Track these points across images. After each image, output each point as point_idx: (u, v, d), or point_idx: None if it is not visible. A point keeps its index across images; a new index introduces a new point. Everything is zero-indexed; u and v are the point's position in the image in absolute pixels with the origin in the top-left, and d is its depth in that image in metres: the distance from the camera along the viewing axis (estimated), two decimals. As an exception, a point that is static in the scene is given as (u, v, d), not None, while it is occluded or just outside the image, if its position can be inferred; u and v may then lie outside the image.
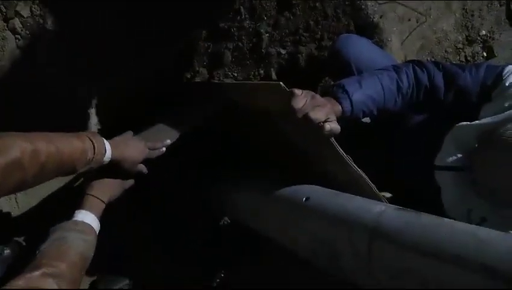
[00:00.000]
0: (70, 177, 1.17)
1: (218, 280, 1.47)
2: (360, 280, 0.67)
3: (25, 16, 1.00)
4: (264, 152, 1.17)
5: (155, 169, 1.07)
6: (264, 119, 1.01)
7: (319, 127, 0.79)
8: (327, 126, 0.78)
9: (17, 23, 0.98)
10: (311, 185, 0.89)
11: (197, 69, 1.63)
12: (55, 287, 0.70)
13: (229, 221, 1.57)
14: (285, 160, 1.06)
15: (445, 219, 0.61)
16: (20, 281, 0.68)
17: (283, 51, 1.63)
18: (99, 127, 1.30)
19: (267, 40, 1.61)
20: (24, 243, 1.05)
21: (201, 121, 1.19)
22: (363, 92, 0.91)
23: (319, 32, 1.66)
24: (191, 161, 1.38)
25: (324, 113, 0.80)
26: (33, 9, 1.01)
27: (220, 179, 1.28)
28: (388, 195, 1.09)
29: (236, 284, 1.43)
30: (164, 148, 1.07)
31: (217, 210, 1.32)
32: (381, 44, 1.77)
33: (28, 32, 1.04)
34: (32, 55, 1.09)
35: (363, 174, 0.84)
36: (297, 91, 0.80)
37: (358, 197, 0.78)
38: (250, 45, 1.61)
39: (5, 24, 0.99)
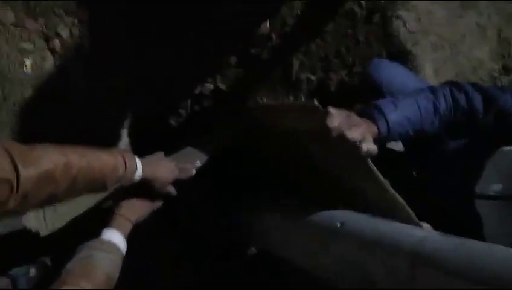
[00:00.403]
0: (100, 196, 1.17)
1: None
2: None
3: (65, 37, 1.04)
4: (289, 176, 1.14)
5: (183, 190, 1.06)
6: (291, 142, 0.99)
7: (355, 147, 0.75)
8: (364, 147, 0.75)
9: (56, 43, 1.03)
10: (344, 210, 0.85)
11: (226, 95, 1.64)
12: (78, 307, 0.68)
13: (255, 251, 1.52)
14: (312, 184, 1.03)
15: (497, 245, 0.56)
16: None
17: (313, 77, 1.62)
18: (130, 147, 1.31)
19: (298, 66, 1.60)
20: (50, 263, 1.04)
21: (228, 143, 1.18)
22: (400, 113, 0.88)
23: (350, 59, 1.65)
24: (217, 183, 1.36)
25: (360, 132, 0.77)
26: (72, 31, 1.05)
27: (245, 203, 1.25)
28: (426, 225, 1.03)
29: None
30: (194, 171, 1.06)
31: (243, 234, 1.28)
32: (415, 72, 1.74)
33: (65, 51, 1.08)
34: (67, 73, 1.12)
35: (401, 200, 0.80)
36: (333, 110, 0.78)
37: (395, 222, 0.73)
38: (280, 70, 1.61)
39: (45, 43, 1.03)
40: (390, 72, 1.28)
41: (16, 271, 0.98)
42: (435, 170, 1.12)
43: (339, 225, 0.78)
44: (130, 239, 0.89)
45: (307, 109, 0.82)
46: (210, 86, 1.61)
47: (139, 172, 0.87)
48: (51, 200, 0.71)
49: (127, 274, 1.19)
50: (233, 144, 1.18)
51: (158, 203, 1.00)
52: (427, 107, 0.92)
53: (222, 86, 1.61)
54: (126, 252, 0.87)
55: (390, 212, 0.77)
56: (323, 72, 1.63)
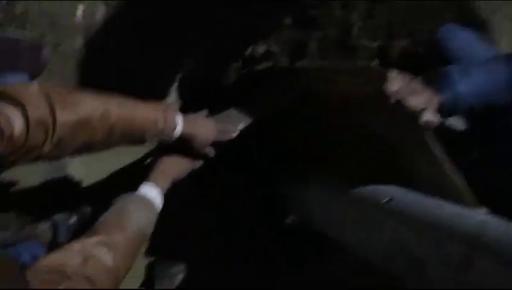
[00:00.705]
0: (142, 151, 1.16)
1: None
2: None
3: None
4: (337, 147, 1.06)
5: (223, 152, 1.03)
6: (343, 109, 0.91)
7: (414, 116, 0.67)
8: (424, 116, 0.66)
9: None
10: (393, 186, 0.76)
11: (279, 58, 1.57)
12: (109, 258, 0.67)
13: (294, 220, 1.47)
14: (362, 157, 0.94)
15: None
16: (75, 245, 0.65)
17: (373, 44, 1.49)
18: (177, 105, 1.29)
19: (357, 31, 1.49)
20: (91, 213, 1.06)
21: (276, 108, 1.11)
22: (470, 83, 0.77)
23: (416, 26, 1.50)
24: (257, 152, 1.31)
25: (422, 101, 0.68)
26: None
27: (287, 174, 1.19)
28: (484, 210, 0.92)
29: (299, 286, 1.33)
30: (236, 133, 1.01)
31: (282, 206, 1.23)
32: (481, 30, 1.55)
33: (116, 3, 1.06)
34: (117, 25, 1.10)
35: (460, 180, 0.70)
36: (394, 74, 0.69)
37: (452, 204, 0.64)
38: (338, 35, 1.50)
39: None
40: (462, 41, 1.14)
41: (57, 217, 1.01)
42: (502, 148, 0.99)
43: (385, 201, 0.70)
44: (167, 199, 0.88)
45: (365, 72, 0.74)
46: (262, 48, 1.54)
47: (179, 128, 0.84)
48: (86, 148, 0.69)
49: (163, 236, 1.21)
50: (281, 108, 1.11)
51: (198, 163, 0.97)
52: (502, 79, 0.79)
53: (275, 49, 1.54)
54: (162, 211, 0.86)
55: (445, 193, 0.68)
56: (385, 38, 1.50)
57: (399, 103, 0.67)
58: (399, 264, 0.65)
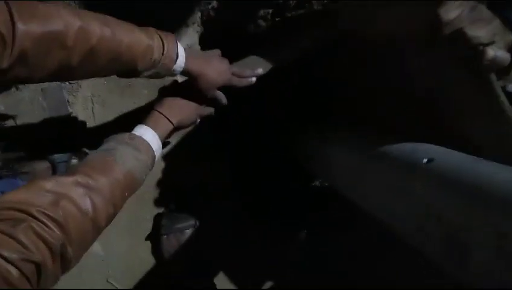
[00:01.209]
0: (153, 96, 1.06)
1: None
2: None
3: None
4: (373, 98, 0.90)
5: (238, 101, 0.90)
6: (381, 54, 0.75)
7: (477, 52, 0.51)
8: (490, 52, 0.50)
9: None
10: (436, 146, 0.61)
11: (315, 7, 1.40)
12: (86, 201, 0.57)
13: (319, 185, 1.34)
14: (403, 109, 0.79)
15: None
16: (48, 183, 0.56)
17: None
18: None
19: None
20: (93, 155, 0.97)
21: (299, 54, 0.97)
22: None
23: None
24: (278, 103, 1.18)
25: (489, 31, 0.52)
26: None
27: (311, 128, 1.05)
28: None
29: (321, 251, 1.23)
30: (254, 79, 0.88)
31: (308, 167, 1.10)
32: None
33: None
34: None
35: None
36: (451, -4, 0.53)
37: (507, 166, 0.49)
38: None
39: None
40: None
41: (57, 157, 0.93)
42: None
43: (424, 161, 0.56)
44: (177, 148, 0.77)
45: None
46: (296, -6, 1.37)
47: (181, 61, 0.72)
48: (65, 71, 0.59)
49: (174, 188, 1.12)
50: (308, 55, 0.97)
51: (207, 110, 0.85)
52: None
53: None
54: (169, 162, 0.75)
55: (508, 160, 0.53)
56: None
57: (457, 33, 0.51)
58: (434, 242, 0.51)
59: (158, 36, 0.68)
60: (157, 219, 1.11)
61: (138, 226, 1.11)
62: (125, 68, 0.66)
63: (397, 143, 0.66)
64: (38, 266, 0.50)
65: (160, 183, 1.11)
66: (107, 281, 1.10)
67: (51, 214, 0.53)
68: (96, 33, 0.58)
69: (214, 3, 1.15)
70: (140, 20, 0.70)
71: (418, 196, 0.54)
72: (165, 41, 0.68)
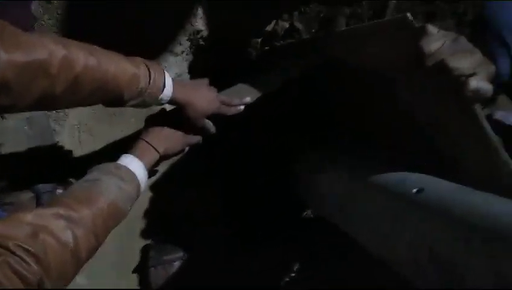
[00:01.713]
0: (141, 125, 1.05)
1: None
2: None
3: None
4: (362, 124, 0.90)
5: (226, 129, 0.90)
6: (370, 82, 0.76)
7: (459, 83, 0.51)
8: (473, 82, 0.51)
9: None
10: (425, 175, 0.61)
11: (303, 36, 1.43)
12: (68, 232, 0.56)
13: (311, 216, 1.33)
14: (391, 140, 0.79)
15: None
16: (27, 216, 0.54)
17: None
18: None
19: (393, 8, 1.32)
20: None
21: (288, 82, 0.97)
22: None
23: (462, 6, 1.32)
24: (268, 130, 1.17)
25: (471, 63, 0.52)
26: None
27: (302, 157, 1.04)
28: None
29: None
30: (242, 107, 0.88)
31: (296, 193, 1.09)
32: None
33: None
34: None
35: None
36: (432, 28, 0.54)
37: (505, 198, 0.48)
38: (371, 12, 1.33)
39: None
40: None
41: (41, 187, 0.92)
42: None
43: (414, 192, 0.55)
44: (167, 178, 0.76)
45: (395, 27, 0.58)
46: (285, 24, 1.40)
47: (168, 91, 0.72)
48: (49, 100, 0.58)
49: (161, 218, 1.10)
50: (298, 82, 0.98)
51: (195, 138, 0.85)
52: None
53: (298, 25, 1.39)
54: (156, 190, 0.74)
55: (497, 187, 0.52)
56: (426, 18, 1.33)
57: (438, 65, 0.52)
58: (426, 273, 0.50)
59: (145, 65, 0.68)
60: (144, 250, 1.09)
61: (126, 257, 1.08)
62: (111, 97, 0.66)
63: (387, 171, 0.65)
64: None
65: (147, 213, 1.09)
66: (91, 315, 1.06)
67: (29, 248, 0.51)
68: (80, 62, 0.58)
69: (204, 33, 1.17)
70: (130, 50, 0.70)
71: (410, 227, 0.53)
72: (151, 71, 0.68)
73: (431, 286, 0.49)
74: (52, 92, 0.57)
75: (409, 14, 0.55)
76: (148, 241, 1.11)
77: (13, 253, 0.50)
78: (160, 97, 0.71)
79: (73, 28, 0.96)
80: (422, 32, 0.54)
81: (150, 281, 1.06)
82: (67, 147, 1.00)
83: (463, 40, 0.56)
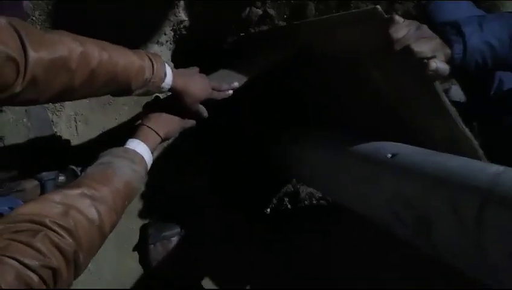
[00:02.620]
0: (134, 112, 1.12)
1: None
2: (459, 254, 0.51)
3: None
4: (339, 103, 1.01)
5: (217, 113, 0.98)
6: (342, 65, 0.86)
7: (421, 64, 0.62)
8: (433, 64, 0.61)
9: None
10: (398, 143, 0.72)
11: (276, 22, 1.50)
12: (93, 210, 0.63)
13: (292, 189, 1.45)
14: (366, 112, 0.90)
15: None
16: (56, 196, 0.61)
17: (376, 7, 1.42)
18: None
19: (358, -6, 1.42)
20: (79, 173, 1.01)
21: (272, 67, 1.06)
22: (483, 37, 0.72)
23: (420, -11, 1.44)
24: (252, 112, 1.27)
25: (431, 47, 0.63)
26: None
27: (284, 134, 1.14)
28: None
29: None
30: (231, 92, 0.96)
31: (279, 168, 1.19)
32: (493, 10, 1.50)
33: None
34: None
35: (469, 133, 0.66)
36: (400, 18, 0.64)
37: (462, 157, 0.60)
38: (338, -2, 1.43)
39: None
40: (455, 12, 1.05)
41: (44, 175, 0.96)
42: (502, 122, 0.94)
43: (389, 156, 0.66)
44: (160, 160, 0.84)
45: (366, 17, 0.68)
46: (258, 11, 1.47)
47: (169, 80, 0.79)
48: (67, 93, 0.64)
49: (158, 197, 1.18)
50: (278, 67, 1.06)
51: (190, 122, 0.92)
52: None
53: (271, 11, 1.47)
54: (156, 172, 0.82)
55: (456, 148, 0.64)
56: (388, 2, 1.44)
57: (405, 50, 0.62)
58: (402, 221, 0.61)
59: (148, 57, 0.75)
60: (143, 229, 1.16)
61: (125, 237, 1.15)
62: (121, 88, 0.72)
63: (364, 142, 0.76)
64: (55, 272, 0.55)
65: (144, 195, 1.16)
66: (96, 292, 1.13)
67: (63, 224, 0.58)
68: (95, 57, 0.64)
69: (186, 22, 1.23)
70: (119, 40, 0.76)
71: (387, 186, 0.65)
72: (154, 62, 0.75)
73: (406, 231, 0.61)
74: (72, 85, 0.63)
75: (378, 6, 0.65)
76: (146, 221, 1.18)
77: (50, 228, 0.57)
78: (162, 86, 0.78)
79: (64, 21, 1.00)
80: (390, 22, 0.64)
81: (150, 258, 1.14)
82: (65, 136, 1.05)
83: (425, 27, 0.66)
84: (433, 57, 0.63)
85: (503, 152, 0.90)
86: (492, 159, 0.79)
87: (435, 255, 0.58)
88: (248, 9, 1.45)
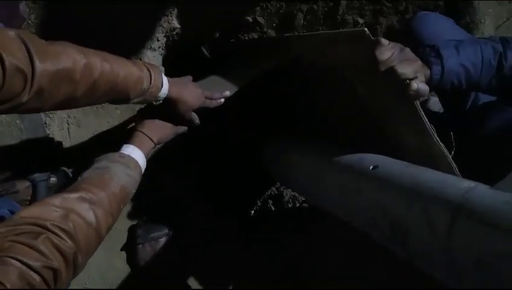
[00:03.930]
0: (126, 116, 1.14)
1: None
2: (430, 259, 0.56)
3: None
4: (325, 115, 1.06)
5: (209, 120, 1.01)
6: (330, 79, 0.91)
7: (404, 84, 0.67)
8: (414, 84, 0.67)
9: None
10: (380, 155, 0.78)
11: (265, 30, 1.55)
12: (91, 213, 0.66)
13: (276, 192, 1.49)
14: (350, 126, 0.95)
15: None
16: (56, 200, 0.64)
17: (361, 20, 1.49)
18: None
19: (345, 7, 1.48)
20: (71, 174, 1.03)
21: (262, 77, 1.10)
22: (459, 61, 0.78)
23: (404, 4, 1.50)
24: (244, 119, 1.31)
25: (413, 69, 0.68)
26: None
27: (273, 141, 1.19)
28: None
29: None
30: (222, 100, 1.00)
31: (267, 171, 1.24)
32: (471, 26, 1.58)
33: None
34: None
35: (445, 150, 0.72)
36: (385, 41, 0.69)
37: (438, 171, 0.66)
38: (326, 9, 1.48)
39: None
40: (436, 29, 1.11)
41: (36, 176, 0.98)
42: (472, 150, 1.01)
43: (371, 168, 0.71)
44: (151, 163, 0.87)
45: (354, 38, 0.73)
46: (248, 19, 1.51)
47: (165, 89, 0.82)
48: (69, 102, 0.67)
49: (147, 200, 1.20)
50: (266, 77, 1.11)
51: (182, 129, 0.96)
52: (491, 62, 0.80)
53: (261, 20, 1.51)
54: (147, 175, 0.85)
55: (432, 163, 0.70)
56: (373, 15, 1.50)
57: (389, 71, 0.68)
58: (379, 227, 0.66)
59: (146, 68, 0.78)
60: (131, 230, 1.19)
61: (113, 237, 1.17)
62: (119, 97, 0.75)
63: (348, 153, 0.82)
64: (56, 272, 0.58)
65: (133, 197, 1.19)
66: (84, 292, 1.15)
67: (63, 227, 0.61)
68: (98, 68, 0.67)
69: (178, 30, 1.26)
70: (114, 46, 0.78)
71: (368, 195, 0.70)
72: (152, 72, 0.78)
73: (382, 236, 0.66)
74: (74, 95, 0.66)
75: (366, 29, 0.70)
76: (134, 222, 1.21)
77: (51, 231, 0.60)
78: (159, 95, 0.82)
79: (59, 26, 1.02)
80: (376, 44, 0.69)
81: (138, 258, 1.17)
82: (57, 138, 1.07)
83: (407, 50, 0.72)
84: (415, 78, 0.68)
85: (476, 160, 0.97)
86: (466, 166, 0.87)
87: (407, 258, 0.63)
88: (238, 16, 1.49)
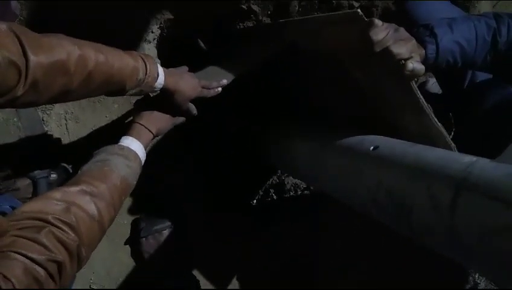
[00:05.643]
0: (124, 109, 1.14)
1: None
2: (435, 236, 0.56)
3: None
4: (323, 99, 1.06)
5: (207, 110, 1.01)
6: (327, 63, 0.90)
7: (399, 65, 0.67)
8: (409, 64, 0.66)
9: None
10: (379, 136, 0.78)
11: (260, 18, 1.53)
12: (93, 206, 0.66)
13: (278, 181, 1.49)
14: (348, 111, 0.95)
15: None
16: (57, 194, 0.64)
17: (356, 4, 1.47)
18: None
19: (338, -8, 1.46)
20: (71, 170, 1.03)
21: (259, 64, 1.09)
22: (453, 38, 0.77)
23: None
24: (241, 107, 1.30)
25: (408, 49, 0.68)
26: None
27: (271, 127, 1.19)
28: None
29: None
30: (220, 89, 1.00)
31: (266, 160, 1.24)
32: (467, 5, 1.57)
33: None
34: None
35: (443, 129, 0.72)
36: (379, 21, 0.69)
37: (438, 148, 0.66)
38: (320, -4, 1.47)
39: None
40: (431, 10, 1.10)
41: (37, 173, 0.98)
42: (473, 128, 1.01)
43: (371, 149, 0.71)
44: (151, 156, 0.87)
45: (348, 20, 0.72)
46: (243, 7, 1.50)
47: (161, 80, 0.82)
48: (65, 94, 0.67)
49: (149, 194, 1.20)
50: (263, 65, 1.10)
51: (180, 120, 0.96)
52: (485, 38, 0.80)
53: (255, 8, 1.50)
54: (148, 168, 0.85)
55: (431, 142, 0.70)
56: (368, -2, 1.49)
57: (384, 51, 0.67)
58: (382, 207, 0.66)
59: (141, 58, 0.77)
60: (135, 223, 1.19)
61: (116, 231, 1.18)
62: (115, 88, 0.75)
63: (348, 136, 0.82)
64: (60, 266, 0.58)
65: (134, 190, 1.19)
66: (90, 287, 1.16)
67: (65, 220, 0.61)
68: (92, 59, 0.67)
69: (172, 21, 1.25)
70: (109, 39, 0.78)
71: (370, 175, 0.70)
72: (147, 63, 0.78)
73: (385, 216, 0.66)
74: (70, 87, 0.65)
75: (359, 10, 0.69)
76: (136, 216, 1.21)
77: (53, 224, 0.60)
78: (155, 86, 0.81)
79: (52, 21, 1.01)
80: (370, 25, 0.69)
81: (142, 251, 1.18)
82: (55, 135, 1.06)
83: (402, 30, 0.71)
84: (410, 58, 0.68)
85: (475, 138, 0.98)
86: (466, 146, 0.87)
87: (412, 236, 0.64)
88: (233, 5, 1.47)
